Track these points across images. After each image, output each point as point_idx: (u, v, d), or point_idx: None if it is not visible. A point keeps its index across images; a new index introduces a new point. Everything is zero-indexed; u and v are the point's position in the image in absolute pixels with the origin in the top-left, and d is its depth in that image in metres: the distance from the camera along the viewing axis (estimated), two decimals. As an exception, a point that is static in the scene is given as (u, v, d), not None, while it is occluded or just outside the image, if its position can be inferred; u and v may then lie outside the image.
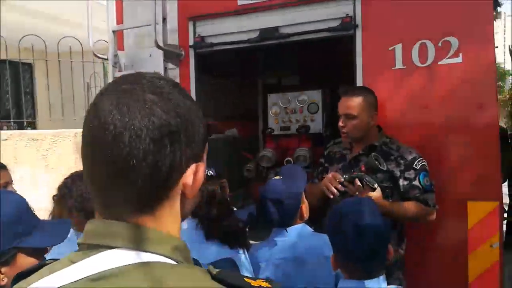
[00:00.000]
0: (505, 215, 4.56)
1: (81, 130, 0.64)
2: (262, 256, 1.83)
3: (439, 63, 2.34)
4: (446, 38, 2.30)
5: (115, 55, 3.04)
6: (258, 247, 1.91)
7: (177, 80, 3.02)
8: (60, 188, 1.70)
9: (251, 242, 1.93)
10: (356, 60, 2.52)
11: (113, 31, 3.00)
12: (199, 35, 2.92)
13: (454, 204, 2.35)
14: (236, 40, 2.81)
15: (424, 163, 2.17)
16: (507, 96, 15.63)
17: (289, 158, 2.97)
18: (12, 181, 2.07)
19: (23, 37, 5.53)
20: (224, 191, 1.89)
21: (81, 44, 5.19)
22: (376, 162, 2.03)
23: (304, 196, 1.88)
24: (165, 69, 2.86)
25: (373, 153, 2.11)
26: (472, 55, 2.27)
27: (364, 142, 2.26)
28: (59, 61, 5.99)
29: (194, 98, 2.69)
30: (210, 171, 1.84)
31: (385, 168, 2.09)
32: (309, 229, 1.85)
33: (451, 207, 2.35)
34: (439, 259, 2.37)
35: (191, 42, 2.93)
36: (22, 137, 4.74)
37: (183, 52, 2.97)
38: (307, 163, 3.00)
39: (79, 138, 0.82)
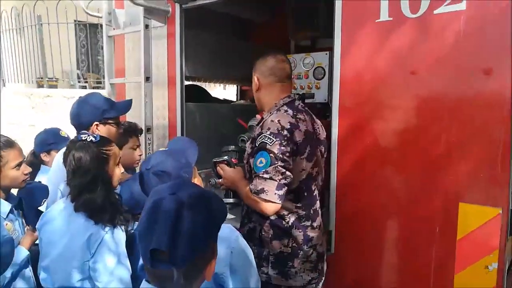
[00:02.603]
0: None
1: None
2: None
3: (435, 12, 1.71)
4: (446, -23, 1.67)
5: (109, 13, 2.95)
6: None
7: (164, 40, 2.82)
8: None
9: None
10: (335, 11, 2.00)
11: (106, -13, 2.90)
12: (183, -13, 2.63)
13: (440, 204, 1.77)
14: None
15: (264, 140, 1.71)
16: None
17: (243, 135, 2.57)
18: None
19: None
20: (109, 159, 1.65)
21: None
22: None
23: (195, 170, 1.60)
24: (146, 26, 2.67)
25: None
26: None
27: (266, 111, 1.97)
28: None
29: (181, 55, 2.65)
30: (91, 136, 1.63)
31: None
32: None
33: (436, 208, 1.78)
34: (408, 279, 1.85)
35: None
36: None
37: (169, 8, 2.74)
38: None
39: None
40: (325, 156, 2.00)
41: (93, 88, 7.35)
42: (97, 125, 2.01)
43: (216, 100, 4.01)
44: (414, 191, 1.87)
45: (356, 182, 2.04)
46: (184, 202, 0.93)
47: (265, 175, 1.68)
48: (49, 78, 7.22)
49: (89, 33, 7.31)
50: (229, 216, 2.86)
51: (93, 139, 1.62)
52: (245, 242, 1.48)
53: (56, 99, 6.06)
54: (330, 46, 2.94)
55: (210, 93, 4.00)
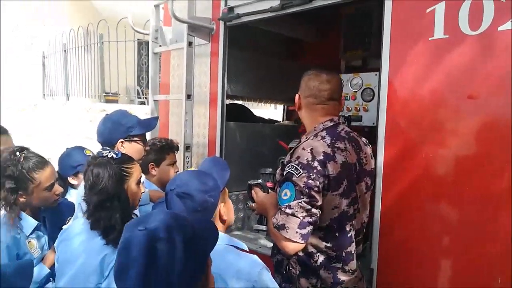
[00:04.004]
0: None
1: None
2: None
3: (500, 28, 1.50)
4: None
5: (156, 30, 2.98)
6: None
7: (208, 58, 2.78)
8: None
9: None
10: (384, 27, 1.84)
11: (155, 6, 2.95)
12: (228, 6, 2.59)
13: (502, 247, 1.52)
14: (261, 9, 2.39)
15: (291, 171, 1.53)
16: None
17: (283, 157, 2.40)
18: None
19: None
20: (128, 178, 1.59)
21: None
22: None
23: (226, 194, 1.48)
24: (190, 43, 2.65)
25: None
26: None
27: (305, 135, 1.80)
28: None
29: (223, 73, 2.59)
30: (112, 153, 1.58)
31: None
32: (230, 240, 1.41)
33: (495, 251, 1.53)
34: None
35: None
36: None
37: (213, 26, 2.70)
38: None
39: None
40: (371, 189, 1.80)
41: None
42: (122, 142, 1.98)
43: (260, 119, 3.92)
44: (470, 230, 1.62)
45: (402, 216, 1.82)
46: (156, 236, 0.82)
47: (288, 210, 1.52)
48: (107, 93, 7.58)
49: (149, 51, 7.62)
50: (267, 243, 2.72)
51: (114, 155, 1.57)
52: (270, 276, 1.33)
53: (111, 114, 6.30)
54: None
55: (254, 113, 3.92)
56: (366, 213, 1.78)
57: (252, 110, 3.95)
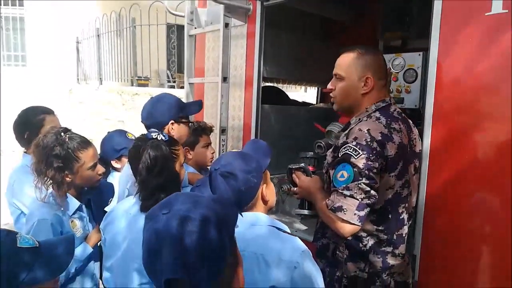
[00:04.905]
0: None
1: None
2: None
3: None
4: None
5: (191, 12, 2.95)
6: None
7: (244, 40, 2.74)
8: None
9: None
10: (434, 4, 1.73)
11: (189, -13, 2.91)
12: (265, -16, 2.52)
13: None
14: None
15: (349, 152, 1.48)
16: None
17: (319, 140, 2.33)
18: (60, 125, 2.17)
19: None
20: (176, 160, 1.59)
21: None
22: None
23: (267, 175, 1.47)
24: (226, 25, 2.60)
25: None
26: None
27: (354, 115, 1.71)
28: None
29: (259, 55, 2.53)
30: (161, 135, 1.58)
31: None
32: (272, 221, 1.40)
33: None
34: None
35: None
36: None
37: (250, 6, 2.65)
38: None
39: None
40: (418, 171, 1.74)
41: (181, 87, 7.65)
42: (172, 123, 1.99)
43: (294, 102, 3.86)
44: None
45: (449, 201, 1.75)
46: (183, 216, 0.80)
47: (346, 192, 1.48)
48: (139, 77, 7.67)
49: (179, 34, 7.63)
50: (301, 227, 2.70)
51: (163, 138, 1.57)
52: (312, 259, 1.31)
53: (144, 97, 6.39)
54: (423, 46, 2.64)
55: (288, 95, 3.86)
56: (415, 196, 1.72)
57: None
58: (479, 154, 1.64)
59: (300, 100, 4.27)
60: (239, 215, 1.34)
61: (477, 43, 1.61)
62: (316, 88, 4.65)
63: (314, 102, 4.44)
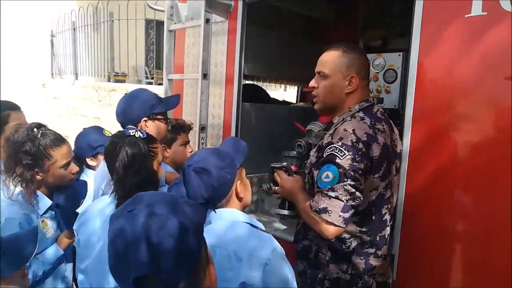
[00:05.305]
0: None
1: None
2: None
3: (545, 5, 1.41)
4: None
5: (172, 7, 2.89)
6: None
7: (225, 36, 2.70)
8: None
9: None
10: (415, 5, 1.74)
11: (169, -19, 2.85)
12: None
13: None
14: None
15: (335, 152, 1.46)
16: None
17: (299, 140, 2.31)
18: (26, 122, 2.07)
19: None
20: (154, 159, 1.54)
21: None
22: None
23: (243, 172, 1.45)
24: (207, 20, 2.56)
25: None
26: None
27: (336, 115, 1.69)
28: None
29: (241, 52, 2.50)
30: (139, 132, 1.53)
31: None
32: (246, 218, 1.39)
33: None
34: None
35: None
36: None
37: (232, 2, 2.61)
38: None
39: None
40: (399, 172, 1.75)
41: (158, 84, 7.53)
42: (146, 120, 1.90)
43: (275, 101, 3.84)
44: (496, 219, 1.56)
45: (427, 201, 1.76)
46: (149, 212, 0.78)
47: (331, 193, 1.45)
48: (116, 73, 7.51)
49: (158, 30, 7.50)
50: (281, 226, 2.69)
51: (141, 135, 1.52)
52: (284, 257, 1.30)
53: (120, 93, 6.26)
54: (403, 47, 2.66)
55: (269, 94, 3.84)
56: (396, 197, 1.73)
57: (265, 91, 3.88)
58: (458, 154, 1.66)
59: (280, 99, 4.26)
60: (212, 211, 1.33)
61: (457, 44, 1.63)
62: (296, 87, 4.65)
63: (294, 101, 4.44)
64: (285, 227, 2.67)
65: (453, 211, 1.69)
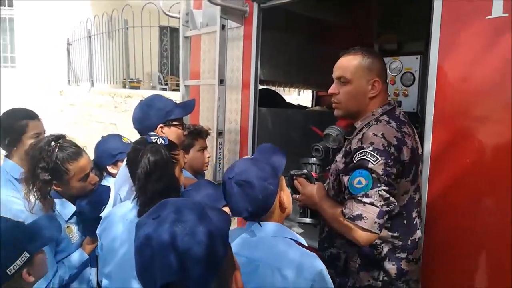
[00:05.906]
0: None
1: None
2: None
3: None
4: None
5: (187, 13, 2.92)
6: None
7: (240, 42, 2.71)
8: None
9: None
10: (434, 5, 1.73)
11: (185, -12, 2.88)
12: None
13: None
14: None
15: (367, 157, 1.43)
16: None
17: (317, 144, 2.28)
18: (45, 131, 2.06)
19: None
20: (176, 165, 1.55)
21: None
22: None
23: (283, 182, 1.40)
24: (223, 27, 2.58)
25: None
26: None
27: (359, 120, 1.67)
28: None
29: (256, 57, 2.51)
30: (161, 139, 1.54)
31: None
32: (291, 234, 1.36)
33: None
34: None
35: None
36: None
37: (247, 8, 2.63)
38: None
39: None
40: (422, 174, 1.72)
41: (173, 90, 7.60)
42: (162, 127, 1.91)
43: (291, 105, 3.85)
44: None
45: (450, 206, 1.74)
46: (175, 219, 0.79)
47: (365, 199, 1.41)
48: (131, 79, 7.60)
49: (171, 37, 7.57)
50: (298, 230, 2.67)
51: (163, 141, 1.53)
52: (329, 277, 1.27)
53: (136, 99, 6.33)
54: (418, 50, 2.64)
55: (285, 98, 3.85)
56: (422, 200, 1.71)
57: (279, 96, 3.88)
58: (480, 157, 1.64)
59: (294, 103, 4.26)
60: (258, 224, 1.31)
61: (477, 46, 1.61)
62: (310, 91, 4.65)
63: (309, 106, 4.43)
64: (302, 230, 2.66)
65: (476, 214, 1.66)
